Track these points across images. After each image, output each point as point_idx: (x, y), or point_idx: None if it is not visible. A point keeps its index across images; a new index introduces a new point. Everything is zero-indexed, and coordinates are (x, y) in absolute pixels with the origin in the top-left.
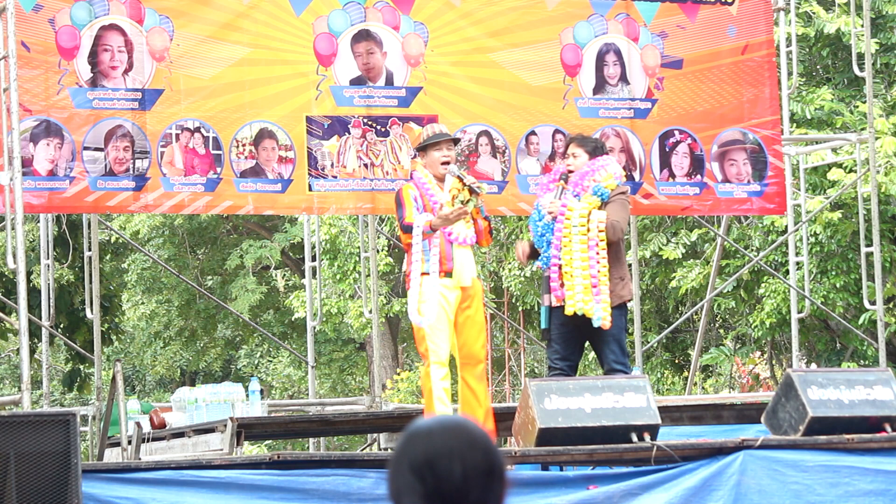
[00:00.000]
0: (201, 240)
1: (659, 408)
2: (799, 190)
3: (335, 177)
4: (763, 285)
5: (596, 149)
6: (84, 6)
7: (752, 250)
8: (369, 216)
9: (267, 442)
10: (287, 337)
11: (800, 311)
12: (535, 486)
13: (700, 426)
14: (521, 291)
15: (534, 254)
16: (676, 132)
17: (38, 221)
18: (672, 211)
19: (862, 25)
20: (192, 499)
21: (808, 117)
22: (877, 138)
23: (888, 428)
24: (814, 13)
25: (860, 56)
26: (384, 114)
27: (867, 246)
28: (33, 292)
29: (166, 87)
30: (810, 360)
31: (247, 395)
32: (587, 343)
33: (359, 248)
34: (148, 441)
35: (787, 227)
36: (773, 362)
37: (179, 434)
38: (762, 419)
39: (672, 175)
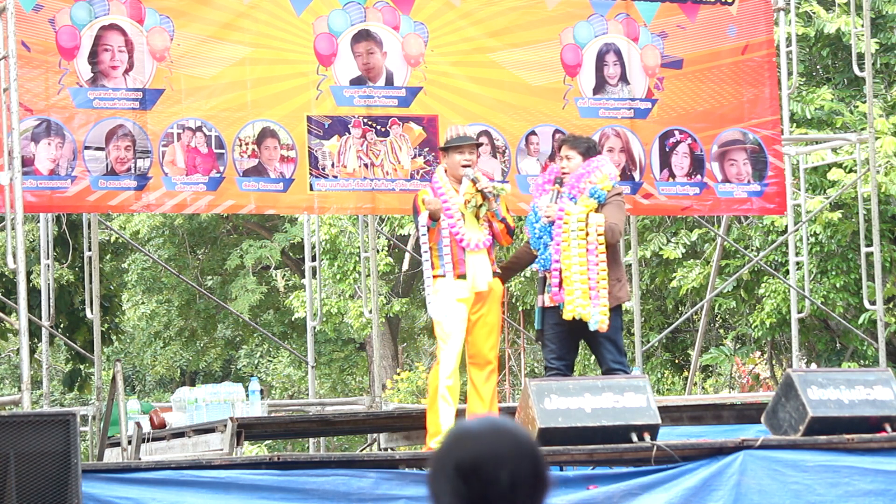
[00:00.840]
0: (201, 240)
1: (659, 408)
2: (799, 190)
3: (336, 177)
4: (763, 285)
5: (589, 149)
6: (84, 6)
7: (752, 250)
8: (369, 216)
9: (267, 442)
10: (287, 337)
11: (800, 311)
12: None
13: (700, 426)
14: (521, 291)
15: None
16: (676, 132)
17: (38, 221)
18: (672, 211)
19: (862, 25)
20: (192, 499)
21: (808, 117)
22: (877, 138)
23: (888, 428)
24: (814, 13)
25: (860, 56)
26: (384, 114)
27: (867, 246)
28: (33, 292)
29: (167, 86)
30: (810, 360)
31: (247, 395)
32: (582, 342)
33: (359, 248)
34: (148, 441)
35: (787, 227)
36: (773, 362)
37: (179, 434)
38: (762, 419)
39: (672, 175)
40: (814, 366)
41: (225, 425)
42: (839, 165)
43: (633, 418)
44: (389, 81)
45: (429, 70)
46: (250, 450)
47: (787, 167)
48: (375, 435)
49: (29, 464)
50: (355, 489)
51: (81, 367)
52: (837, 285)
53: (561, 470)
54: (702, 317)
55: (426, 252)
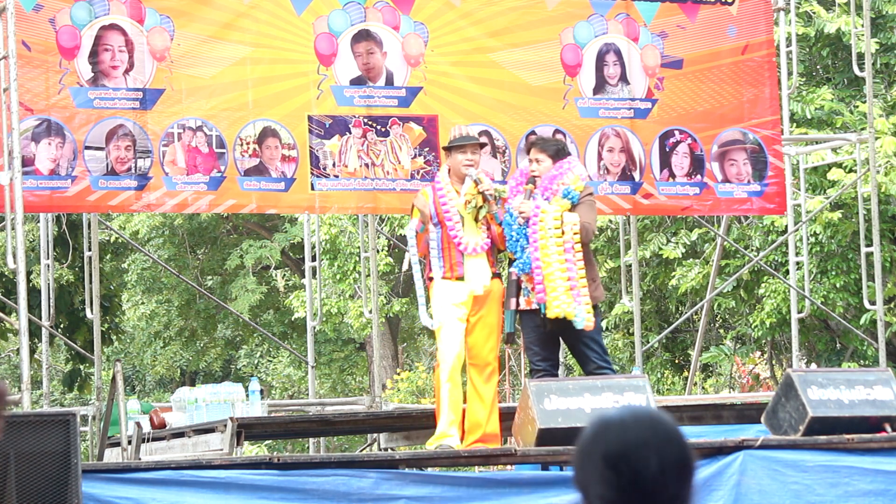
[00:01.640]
0: (201, 240)
1: (659, 408)
2: (799, 190)
3: (337, 176)
4: (763, 285)
5: (558, 151)
6: (84, 6)
7: (752, 250)
8: (369, 216)
9: (267, 442)
10: (287, 337)
11: (800, 311)
12: (535, 486)
13: (700, 426)
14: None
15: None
16: (676, 132)
17: (38, 221)
18: (672, 211)
19: (862, 25)
20: (192, 499)
21: (808, 117)
22: (877, 138)
23: (888, 428)
24: (814, 13)
25: (860, 56)
26: (384, 114)
27: (867, 246)
28: (33, 292)
29: (167, 86)
30: (810, 360)
31: (247, 395)
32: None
33: (359, 248)
34: (148, 441)
35: (787, 227)
36: (773, 362)
37: (179, 434)
38: (762, 419)
39: (672, 175)
40: (814, 366)
41: (225, 425)
42: (839, 165)
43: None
44: (389, 81)
45: (429, 70)
46: (250, 450)
47: (787, 167)
48: (375, 435)
49: (29, 464)
50: (355, 489)
51: (81, 367)
52: (837, 285)
53: (561, 470)
54: (702, 317)
55: (416, 264)
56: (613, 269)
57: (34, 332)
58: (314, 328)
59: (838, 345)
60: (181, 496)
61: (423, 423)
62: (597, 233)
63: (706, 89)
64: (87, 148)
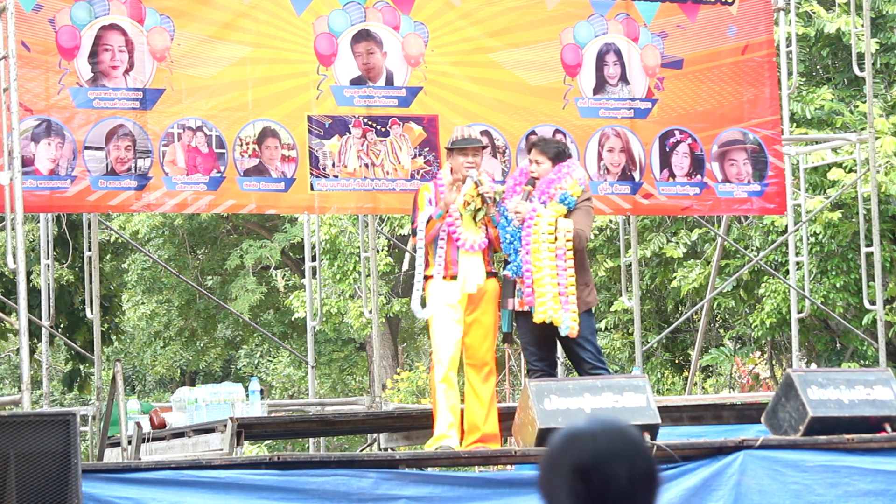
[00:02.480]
0: (201, 240)
1: (659, 408)
2: (799, 190)
3: (336, 176)
4: (763, 285)
5: (559, 154)
6: (84, 6)
7: (752, 250)
8: (369, 216)
9: (267, 442)
10: (287, 337)
11: (800, 311)
12: (535, 486)
13: (700, 426)
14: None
15: None
16: (677, 132)
17: (38, 221)
18: (672, 211)
19: (862, 25)
20: (192, 499)
21: (808, 117)
22: (877, 138)
23: (888, 428)
24: (814, 13)
25: (860, 56)
26: (384, 114)
27: (867, 246)
28: (33, 292)
29: (167, 86)
30: (810, 360)
31: (247, 395)
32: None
33: (359, 248)
34: (148, 441)
35: (787, 227)
36: (773, 362)
37: (179, 434)
38: (762, 419)
39: (672, 175)
40: (814, 366)
41: (225, 425)
42: (839, 165)
43: (632, 418)
44: (389, 81)
45: (429, 70)
46: (250, 450)
47: (787, 167)
48: (375, 435)
49: (29, 464)
50: (355, 489)
51: (81, 367)
52: (837, 285)
53: None
54: (702, 317)
55: (421, 248)
56: (613, 268)
57: (34, 332)
58: (314, 328)
59: (838, 345)
60: (181, 496)
61: (423, 423)
62: (591, 238)
63: (706, 89)
64: (87, 148)
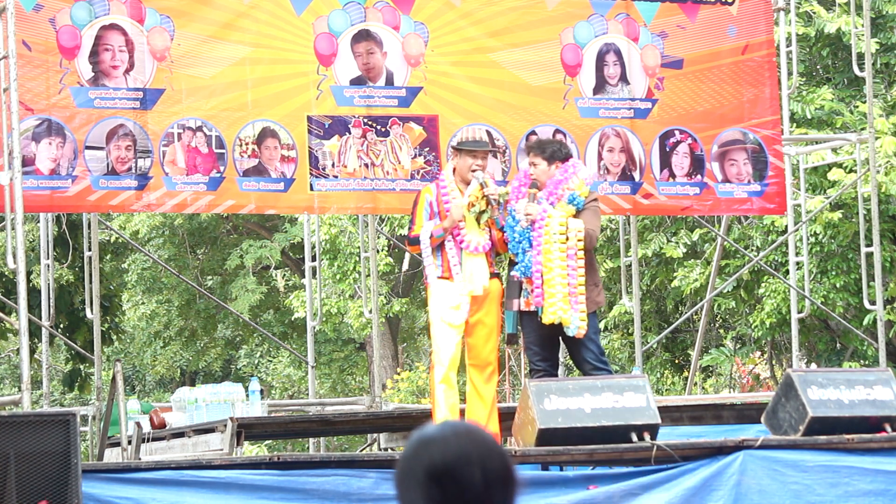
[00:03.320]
0: (201, 240)
1: (659, 408)
2: (799, 190)
3: (336, 176)
4: (763, 285)
5: (553, 154)
6: (84, 6)
7: (752, 250)
8: (369, 216)
9: (267, 442)
10: (287, 337)
11: (800, 311)
12: (535, 486)
13: (700, 426)
14: None
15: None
16: (677, 132)
17: (38, 221)
18: (672, 211)
19: (862, 25)
20: (192, 499)
21: (809, 117)
22: (877, 138)
23: (888, 428)
24: (814, 13)
25: (860, 56)
26: (384, 114)
27: (867, 246)
28: (33, 292)
29: (167, 86)
30: (810, 360)
31: (247, 395)
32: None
33: (359, 248)
34: (148, 441)
35: (787, 227)
36: (773, 362)
37: (179, 434)
38: (762, 419)
39: (672, 175)
40: (814, 366)
41: (225, 425)
42: (839, 165)
43: (632, 418)
44: (389, 81)
45: (429, 70)
46: (250, 450)
47: (787, 167)
48: (375, 435)
49: (29, 464)
50: (355, 489)
51: (81, 367)
52: (837, 285)
53: (561, 470)
54: (702, 317)
55: (426, 248)
56: (613, 268)
57: (34, 332)
58: (314, 328)
59: (838, 345)
60: (181, 496)
61: (423, 423)
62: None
63: (706, 89)
64: (88, 148)
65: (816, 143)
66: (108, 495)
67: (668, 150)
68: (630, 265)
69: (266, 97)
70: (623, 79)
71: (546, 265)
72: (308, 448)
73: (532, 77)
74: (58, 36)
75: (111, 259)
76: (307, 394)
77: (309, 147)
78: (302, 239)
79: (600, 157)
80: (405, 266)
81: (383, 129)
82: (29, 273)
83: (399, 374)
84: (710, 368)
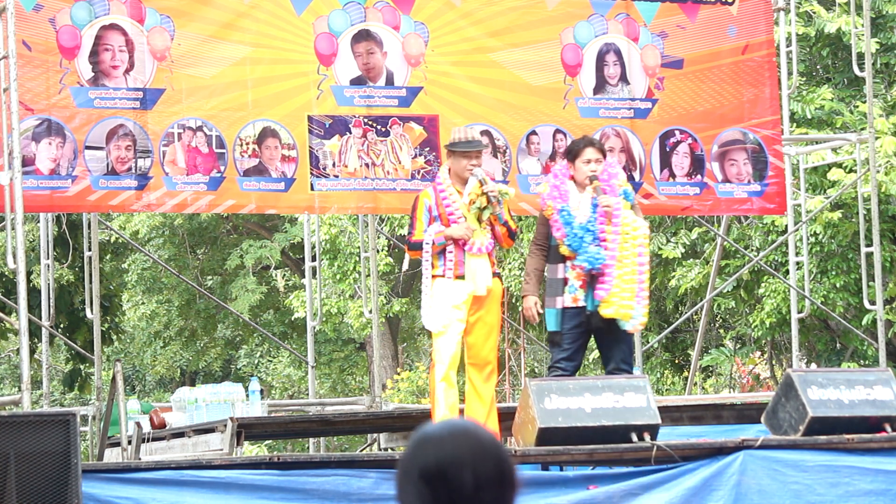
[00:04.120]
0: (201, 240)
1: (659, 408)
2: (799, 190)
3: (337, 176)
4: (763, 285)
5: (567, 153)
6: (84, 6)
7: (752, 250)
8: (369, 216)
9: (267, 442)
10: (287, 337)
11: (800, 311)
12: (535, 486)
13: (700, 426)
14: (520, 291)
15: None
16: (677, 132)
17: (38, 221)
18: (672, 211)
19: (862, 25)
20: (192, 499)
21: (809, 117)
22: (877, 138)
23: (888, 428)
24: (814, 13)
25: (860, 56)
26: (384, 114)
27: (867, 246)
28: (33, 292)
29: (167, 86)
30: (810, 360)
31: (247, 395)
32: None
33: (359, 248)
34: (148, 441)
35: (787, 227)
36: (773, 362)
37: (179, 434)
38: (762, 419)
39: (672, 175)
40: (814, 366)
41: (225, 425)
42: (839, 165)
43: (633, 418)
44: (390, 81)
45: (429, 70)
46: (250, 450)
47: (787, 167)
48: (375, 435)
49: (29, 464)
50: (355, 489)
51: (81, 367)
52: (837, 285)
53: (561, 470)
54: (702, 317)
55: (427, 252)
56: None
57: (34, 332)
58: (314, 328)
59: (838, 345)
60: (181, 496)
61: (423, 423)
62: None
63: (706, 89)
64: (88, 148)
65: (816, 143)
66: (108, 495)
67: (668, 150)
68: None
69: (266, 97)
70: (623, 79)
71: (620, 259)
72: (308, 448)
73: (532, 77)
74: (58, 36)
75: (111, 259)
76: (307, 394)
77: (309, 147)
78: (302, 239)
79: None
80: (405, 266)
81: (384, 129)
82: (29, 273)
83: (399, 374)
84: (710, 368)
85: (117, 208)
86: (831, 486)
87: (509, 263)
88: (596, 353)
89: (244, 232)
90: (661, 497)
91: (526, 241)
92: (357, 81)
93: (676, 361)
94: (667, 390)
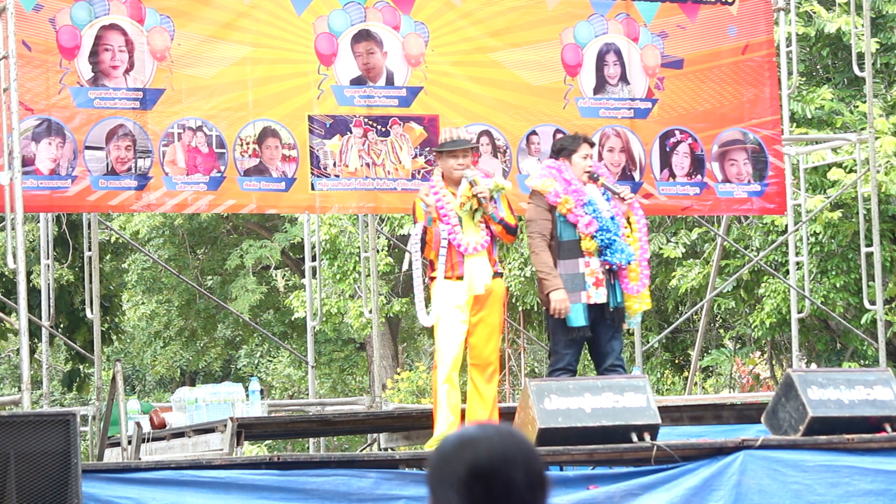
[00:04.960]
0: (201, 240)
1: (659, 408)
2: (799, 190)
3: (337, 176)
4: (763, 285)
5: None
6: (84, 6)
7: (752, 250)
8: (369, 216)
9: (267, 442)
10: (287, 337)
11: (800, 311)
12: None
13: (700, 426)
14: (520, 291)
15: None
16: (677, 132)
17: (38, 221)
18: (672, 211)
19: (862, 25)
20: (192, 499)
21: (809, 117)
22: (877, 138)
23: (888, 428)
24: (814, 13)
25: (860, 56)
26: (385, 113)
27: (867, 246)
28: (33, 292)
29: (167, 86)
30: (810, 360)
31: (247, 395)
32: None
33: (359, 248)
34: (148, 441)
35: (787, 227)
36: (773, 362)
37: (179, 434)
38: (762, 419)
39: (672, 175)
40: (814, 366)
41: (225, 425)
42: (839, 165)
43: (633, 418)
44: (390, 81)
45: (429, 70)
46: (250, 450)
47: (787, 167)
48: (375, 435)
49: (29, 464)
50: (355, 489)
51: (81, 367)
52: (837, 285)
53: (561, 470)
54: (702, 317)
55: (417, 261)
56: None
57: (34, 332)
58: (314, 328)
59: (838, 345)
60: (181, 496)
61: (423, 423)
62: None
63: (706, 89)
64: (88, 148)
65: (816, 143)
66: (108, 495)
67: (668, 149)
68: None
69: (267, 97)
70: (623, 79)
71: (641, 255)
72: (308, 448)
73: (532, 77)
74: (58, 36)
75: (111, 259)
76: (307, 394)
77: (310, 146)
78: (302, 239)
79: (600, 157)
80: (405, 266)
81: (384, 129)
82: (29, 273)
83: (399, 374)
84: (710, 368)
85: (117, 208)
86: (831, 486)
87: (509, 264)
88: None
89: (244, 232)
90: (661, 497)
91: (526, 241)
92: (357, 81)
93: (676, 361)
94: (667, 390)
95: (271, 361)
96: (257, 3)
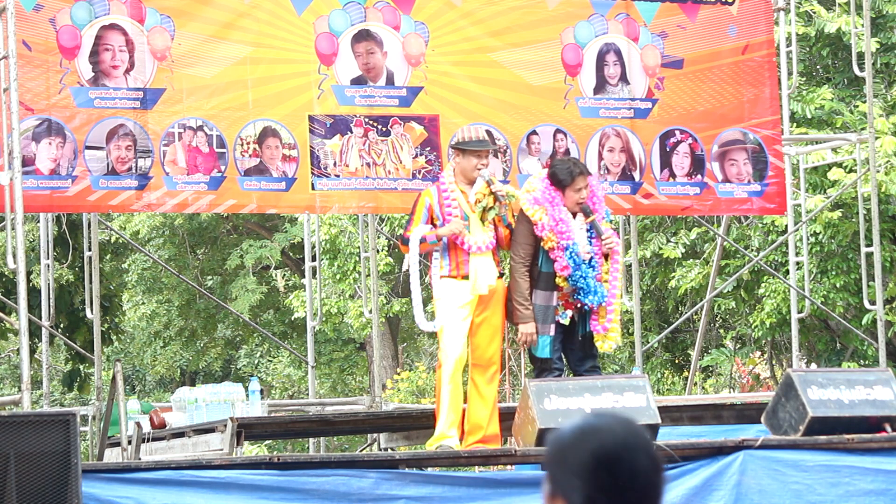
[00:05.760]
0: (201, 240)
1: (659, 408)
2: (799, 190)
3: (338, 176)
4: (763, 285)
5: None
6: (84, 6)
7: (752, 250)
8: (369, 216)
9: (267, 442)
10: (287, 337)
11: (800, 311)
12: (535, 486)
13: (700, 426)
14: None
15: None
16: (677, 132)
17: (38, 221)
18: (672, 211)
19: (862, 25)
20: (192, 499)
21: (809, 117)
22: (877, 138)
23: (888, 428)
24: (814, 13)
25: (860, 56)
26: (385, 113)
27: (867, 246)
28: (33, 292)
29: (168, 86)
30: (810, 360)
31: (247, 395)
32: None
33: (359, 248)
34: (148, 441)
35: (787, 227)
36: (773, 362)
37: (179, 434)
38: (762, 419)
39: (672, 175)
40: (814, 366)
41: (225, 425)
42: (839, 165)
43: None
44: (390, 81)
45: (430, 70)
46: (250, 450)
47: (787, 167)
48: (375, 435)
49: (29, 464)
50: (355, 489)
51: (81, 367)
52: (837, 285)
53: None
54: (702, 317)
55: (415, 265)
56: None
57: (34, 332)
58: (314, 328)
59: (838, 345)
60: (181, 496)
61: (423, 423)
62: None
63: (706, 89)
64: (88, 148)
65: (816, 142)
66: (108, 495)
67: (668, 149)
68: (630, 265)
69: (267, 97)
70: (623, 79)
71: (614, 293)
72: (308, 448)
73: (533, 77)
74: (58, 36)
75: (111, 259)
76: (307, 394)
77: (310, 146)
78: (302, 239)
79: (600, 157)
80: (405, 266)
81: (384, 129)
82: (29, 273)
83: (399, 374)
84: (710, 368)
85: (117, 208)
86: (831, 486)
87: (509, 264)
88: None
89: (244, 232)
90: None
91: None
92: (357, 81)
93: (676, 361)
94: (667, 390)
95: (271, 361)
96: (258, 2)
